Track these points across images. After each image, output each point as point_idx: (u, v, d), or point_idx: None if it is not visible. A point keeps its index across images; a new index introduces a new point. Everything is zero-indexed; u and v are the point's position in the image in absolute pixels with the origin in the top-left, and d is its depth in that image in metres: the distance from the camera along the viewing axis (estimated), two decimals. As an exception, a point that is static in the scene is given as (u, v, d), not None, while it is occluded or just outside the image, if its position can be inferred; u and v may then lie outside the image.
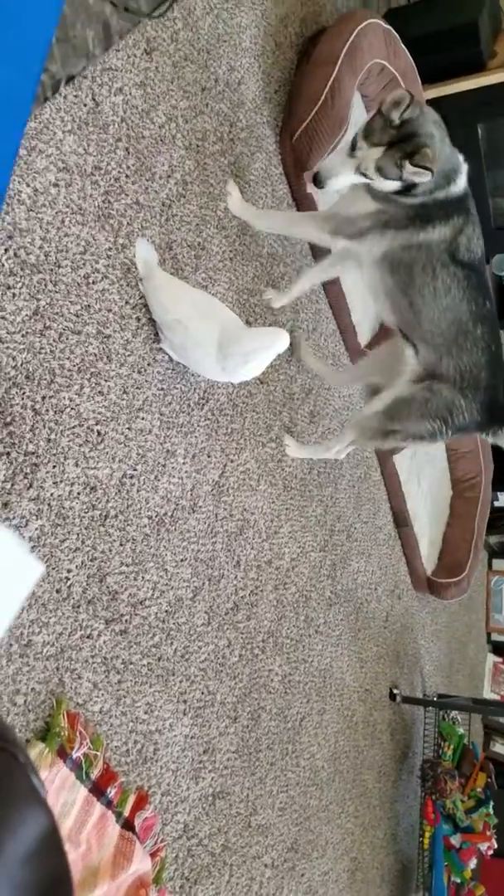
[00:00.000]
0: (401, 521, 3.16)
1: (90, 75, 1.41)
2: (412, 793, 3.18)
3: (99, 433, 1.42)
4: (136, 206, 1.54)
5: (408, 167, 1.54)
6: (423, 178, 1.56)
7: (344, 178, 1.65)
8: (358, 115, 2.24)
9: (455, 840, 2.98)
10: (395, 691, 3.01)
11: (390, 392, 1.98)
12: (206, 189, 1.80)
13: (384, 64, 2.26)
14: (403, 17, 2.94)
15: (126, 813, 1.42)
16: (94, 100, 1.43)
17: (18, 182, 1.26)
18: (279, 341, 1.47)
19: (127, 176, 1.52)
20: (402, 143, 1.54)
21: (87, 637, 1.36)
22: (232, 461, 1.88)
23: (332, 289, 2.44)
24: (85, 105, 1.40)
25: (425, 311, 1.78)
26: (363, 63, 2.16)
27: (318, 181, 1.68)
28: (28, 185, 1.28)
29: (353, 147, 1.60)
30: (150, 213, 1.59)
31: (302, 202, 2.25)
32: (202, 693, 1.71)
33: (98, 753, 1.35)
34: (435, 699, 3.24)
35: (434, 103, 2.66)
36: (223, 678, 1.79)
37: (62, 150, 1.35)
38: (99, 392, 1.42)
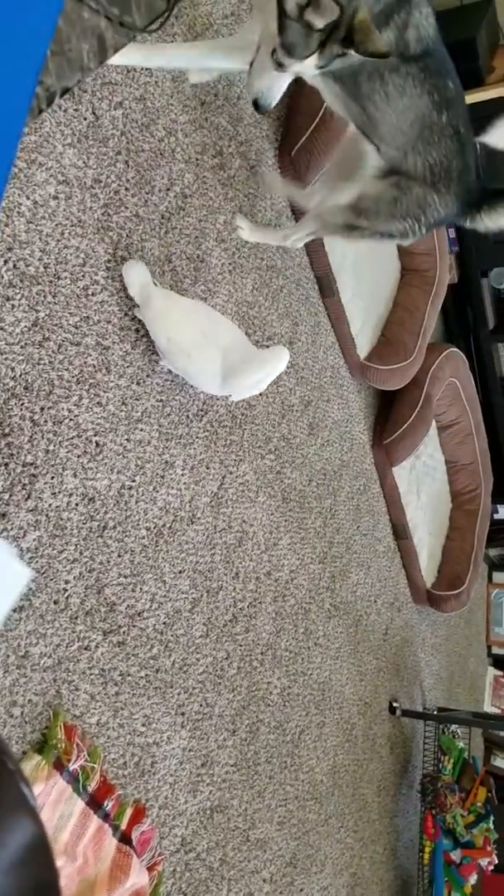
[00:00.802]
0: (400, 533, 3.15)
1: (90, 89, 1.43)
2: (412, 807, 3.15)
3: (97, 444, 1.42)
4: (135, 218, 1.55)
5: (356, 56, 1.28)
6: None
7: (281, 89, 1.45)
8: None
9: (455, 855, 2.95)
10: (395, 704, 3.00)
11: (355, 186, 1.78)
12: (205, 202, 1.81)
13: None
14: (402, 33, 2.96)
15: (123, 826, 1.41)
16: (94, 113, 1.44)
17: (18, 194, 1.27)
18: (281, 360, 1.50)
19: (126, 189, 1.53)
20: (333, 32, 1.26)
21: (85, 648, 1.36)
22: (231, 472, 1.88)
23: (330, 301, 2.45)
24: (85, 119, 1.42)
25: (379, 115, 1.57)
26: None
27: (259, 108, 1.47)
28: (28, 198, 1.29)
29: (279, 64, 1.35)
30: (150, 225, 1.60)
31: (301, 216, 2.25)
32: (200, 705, 1.70)
33: (95, 766, 1.34)
34: (435, 713, 3.22)
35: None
36: (221, 691, 1.79)
37: (62, 163, 1.36)
38: (98, 403, 1.42)
